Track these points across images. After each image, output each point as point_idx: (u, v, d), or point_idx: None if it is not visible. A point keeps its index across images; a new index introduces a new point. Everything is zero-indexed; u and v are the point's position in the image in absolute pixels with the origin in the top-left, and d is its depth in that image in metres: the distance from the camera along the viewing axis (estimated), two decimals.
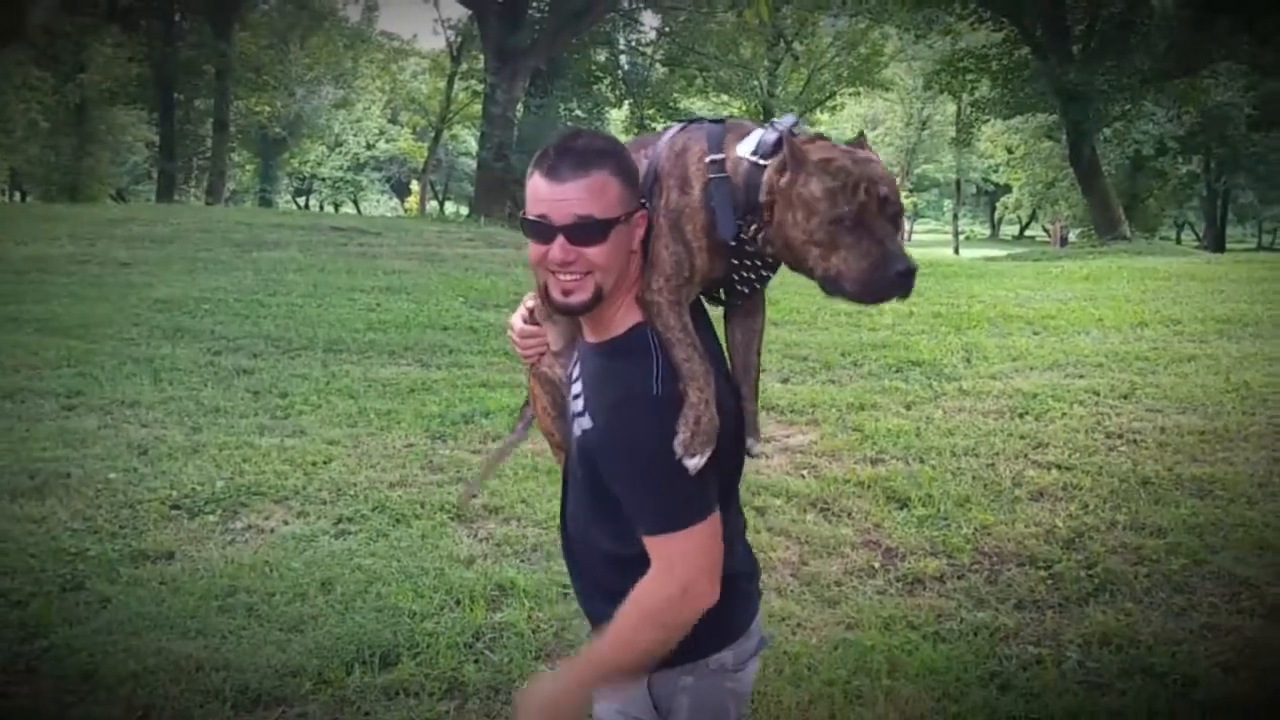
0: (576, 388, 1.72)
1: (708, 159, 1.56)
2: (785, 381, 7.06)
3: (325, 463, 5.43)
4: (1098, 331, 8.64)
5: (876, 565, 4.42)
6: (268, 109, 37.16)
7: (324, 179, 52.23)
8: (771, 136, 1.54)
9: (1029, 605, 4.08)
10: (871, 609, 4.00)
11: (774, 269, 1.64)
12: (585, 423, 1.65)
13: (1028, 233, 59.11)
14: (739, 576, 1.72)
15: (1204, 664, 3.59)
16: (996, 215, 62.23)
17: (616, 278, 1.59)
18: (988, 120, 32.99)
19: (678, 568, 1.55)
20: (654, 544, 1.57)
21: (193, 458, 5.49)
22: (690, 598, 1.56)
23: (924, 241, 58.48)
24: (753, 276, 1.64)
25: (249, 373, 7.29)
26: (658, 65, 31.03)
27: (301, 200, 54.97)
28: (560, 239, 1.55)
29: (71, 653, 3.49)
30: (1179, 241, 43.40)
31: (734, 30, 28.82)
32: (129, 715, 3.18)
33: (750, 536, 4.46)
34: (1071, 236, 38.90)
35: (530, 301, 1.89)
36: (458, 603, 3.91)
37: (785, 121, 1.56)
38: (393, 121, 50.91)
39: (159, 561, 4.27)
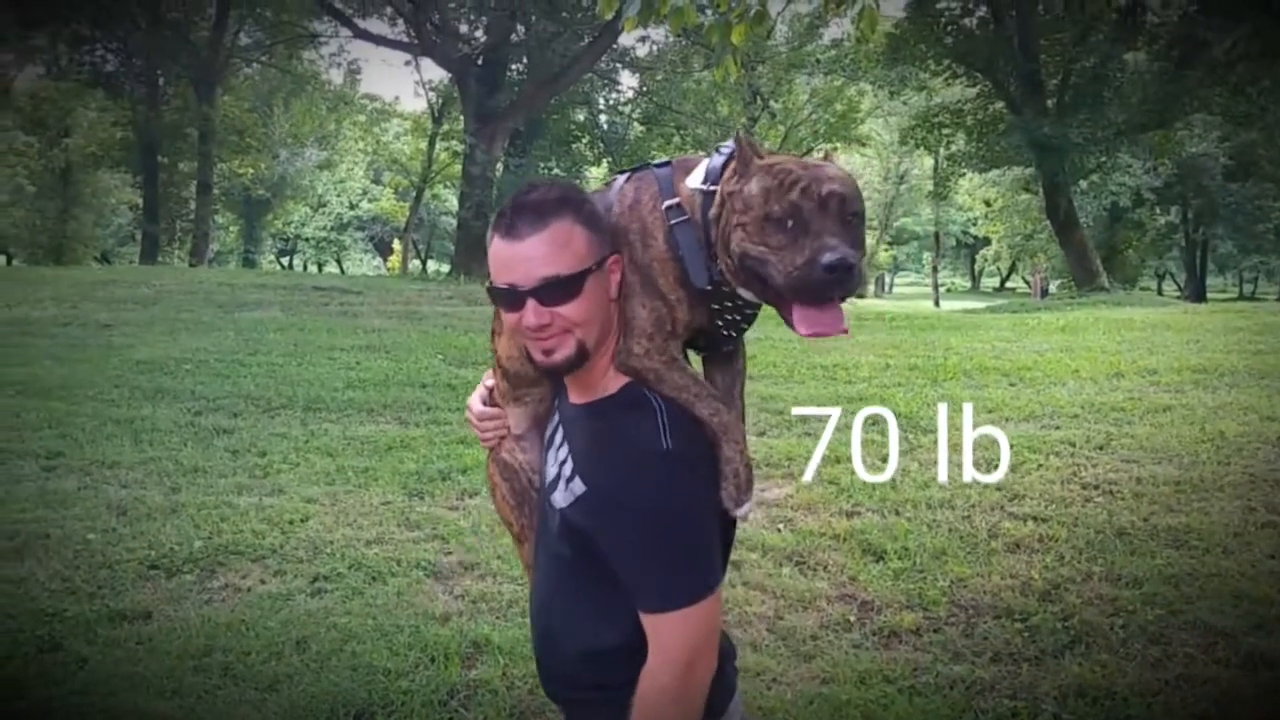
0: (561, 453, 1.59)
1: (664, 205, 1.48)
2: (761, 435, 7.11)
3: (303, 521, 5.43)
4: (1074, 383, 8.73)
5: (852, 619, 4.42)
6: (251, 171, 37.46)
7: (308, 239, 52.48)
8: (719, 160, 1.48)
9: (1005, 658, 4.07)
10: (847, 663, 4.00)
11: (757, 307, 1.55)
12: (577, 488, 1.52)
13: (1009, 284, 59.65)
14: (720, 656, 1.60)
15: (1180, 714, 3.60)
16: (977, 267, 62.88)
17: (600, 330, 1.50)
18: (964, 174, 33.49)
19: (683, 643, 1.44)
20: (658, 621, 1.45)
21: (171, 518, 5.48)
22: (697, 671, 1.46)
23: (904, 294, 58.96)
24: (737, 318, 1.54)
25: (228, 432, 7.29)
26: (635, 124, 31.46)
27: (285, 260, 55.17)
28: (531, 303, 1.45)
29: (48, 714, 3.49)
30: (1160, 292, 43.84)
31: (710, 89, 29.29)
32: None
33: (726, 592, 4.49)
34: (1052, 288, 39.33)
35: (490, 381, 1.79)
36: (433, 660, 3.91)
37: (728, 145, 1.49)
38: (375, 182, 51.33)
39: (136, 621, 4.25)
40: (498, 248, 1.47)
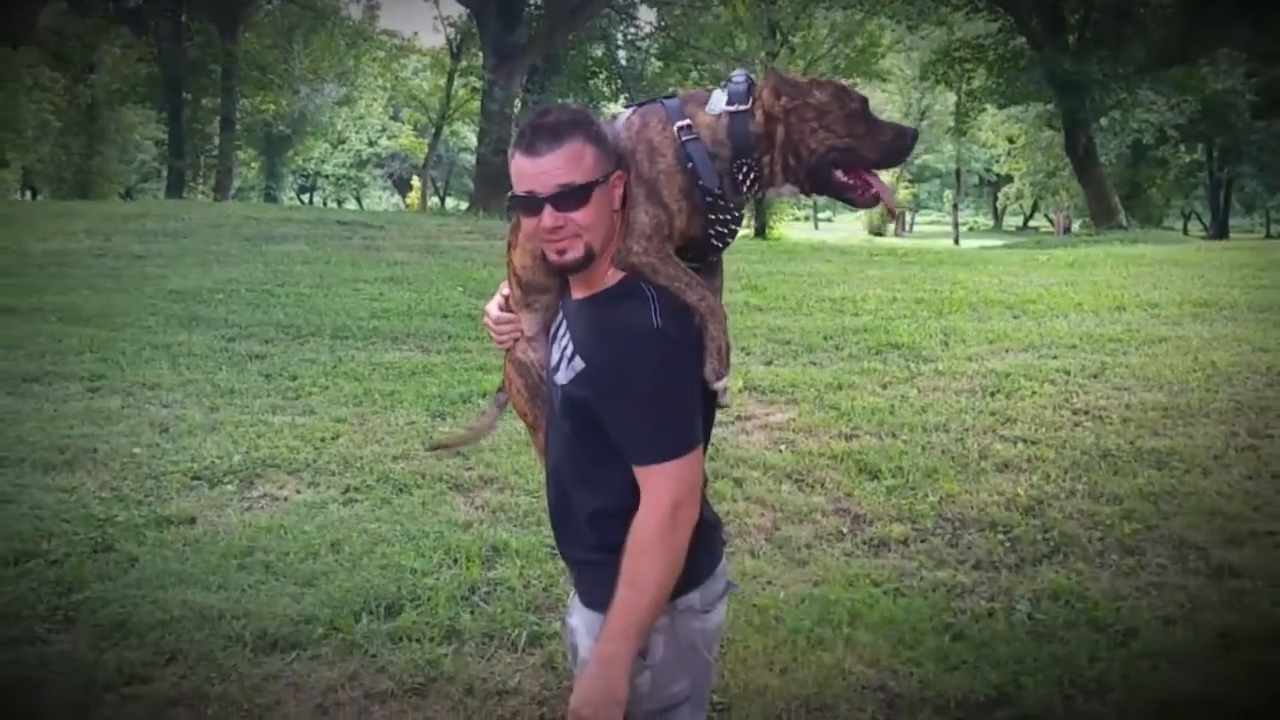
0: (564, 341, 1.84)
1: (676, 125, 1.74)
2: (769, 364, 7.40)
3: (333, 438, 5.78)
4: (1075, 315, 8.95)
5: (845, 530, 4.74)
6: (273, 107, 37.52)
7: (327, 176, 52.56)
8: (740, 85, 1.76)
9: (986, 565, 4.38)
10: (838, 568, 4.31)
11: (739, 222, 1.83)
12: (577, 365, 1.77)
13: (1032, 223, 59.02)
14: (704, 523, 1.82)
15: (1146, 616, 3.87)
16: (999, 206, 62.22)
17: (605, 235, 1.74)
18: (984, 110, 33.15)
19: (668, 491, 1.68)
20: (647, 474, 1.71)
21: (211, 434, 5.84)
22: (681, 516, 1.70)
23: (925, 233, 58.35)
24: (725, 231, 1.79)
25: (261, 357, 7.65)
26: (653, 59, 31.26)
27: (305, 197, 55.32)
28: (548, 208, 1.69)
29: (105, 604, 3.84)
30: (1186, 232, 43.29)
31: (729, 24, 29.00)
32: (158, 658, 3.51)
33: (727, 505, 4.85)
34: (1075, 226, 39.02)
35: (505, 290, 2.04)
36: (455, 561, 4.26)
37: (740, 74, 1.79)
38: (394, 118, 51.19)
39: (182, 526, 4.61)
40: (519, 163, 1.73)
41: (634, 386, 1.69)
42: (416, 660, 3.53)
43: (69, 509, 4.72)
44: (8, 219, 15.48)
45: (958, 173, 52.30)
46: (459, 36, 33.87)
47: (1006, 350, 7.72)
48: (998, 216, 63.55)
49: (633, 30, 30.25)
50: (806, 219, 65.48)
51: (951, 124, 41.98)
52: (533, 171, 1.71)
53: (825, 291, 10.15)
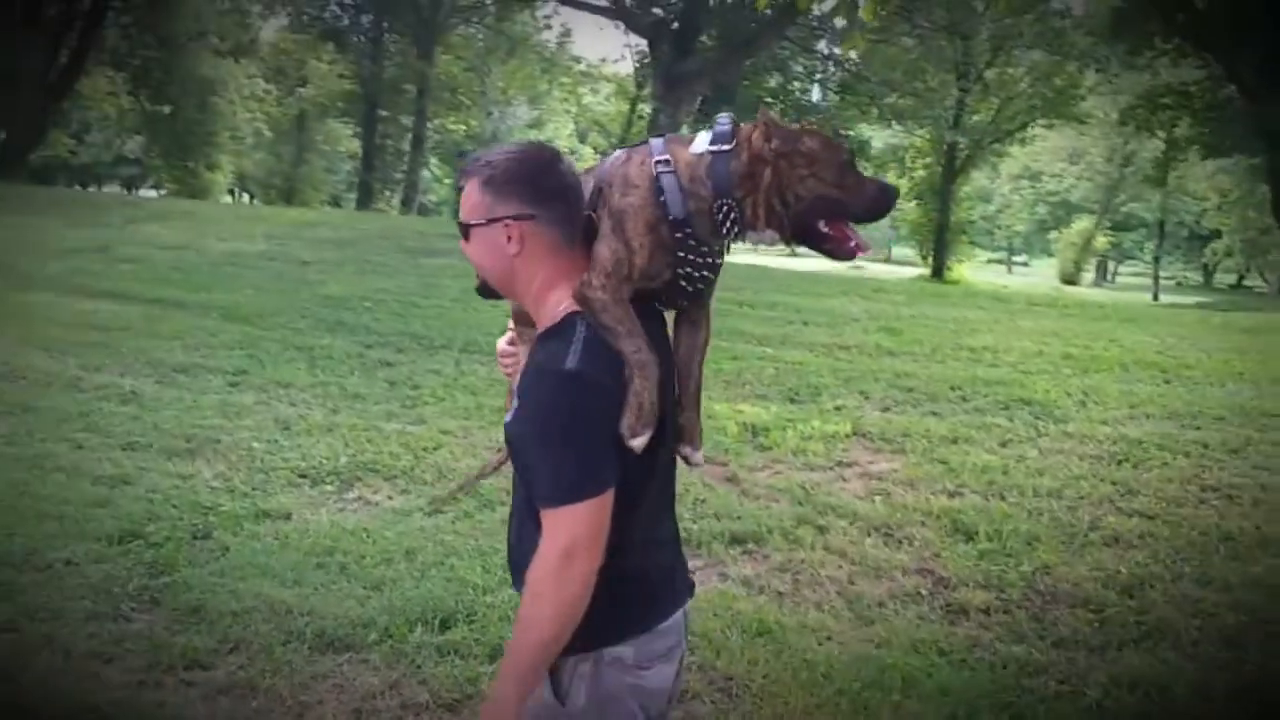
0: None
1: (654, 159, 1.74)
2: (885, 410, 7.19)
3: (435, 449, 5.98)
4: (1232, 385, 8.32)
5: (924, 592, 4.53)
6: (463, 127, 39.17)
7: None
8: (724, 126, 1.76)
9: (1068, 644, 4.10)
10: (906, 631, 4.13)
11: (715, 268, 1.80)
12: (514, 403, 1.80)
13: (1246, 282, 54.69)
14: (644, 577, 1.80)
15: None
16: (1207, 262, 58.07)
17: (497, 276, 1.83)
18: (1184, 160, 31.28)
19: (563, 535, 1.66)
20: (544, 516, 1.70)
21: (326, 435, 6.15)
22: (575, 563, 1.66)
23: (1127, 284, 54.88)
24: (696, 274, 1.77)
25: (391, 365, 8.00)
26: (830, 92, 30.88)
27: None
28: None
29: (188, 589, 4.09)
30: None
31: (919, 58, 28.21)
32: (222, 646, 3.71)
33: (804, 553, 4.72)
34: None
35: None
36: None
37: (724, 116, 1.79)
38: (581, 141, 52.55)
39: (277, 520, 4.88)
40: None
41: (540, 426, 1.70)
42: (457, 675, 3.60)
43: (180, 495, 5.06)
44: (200, 218, 16.76)
45: (1160, 224, 49.25)
46: (643, 64, 34.50)
47: (1147, 416, 7.25)
48: (1206, 273, 59.23)
49: (812, 62, 29.96)
50: (1001, 262, 63.12)
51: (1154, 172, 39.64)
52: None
53: (966, 339, 9.79)
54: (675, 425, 1.86)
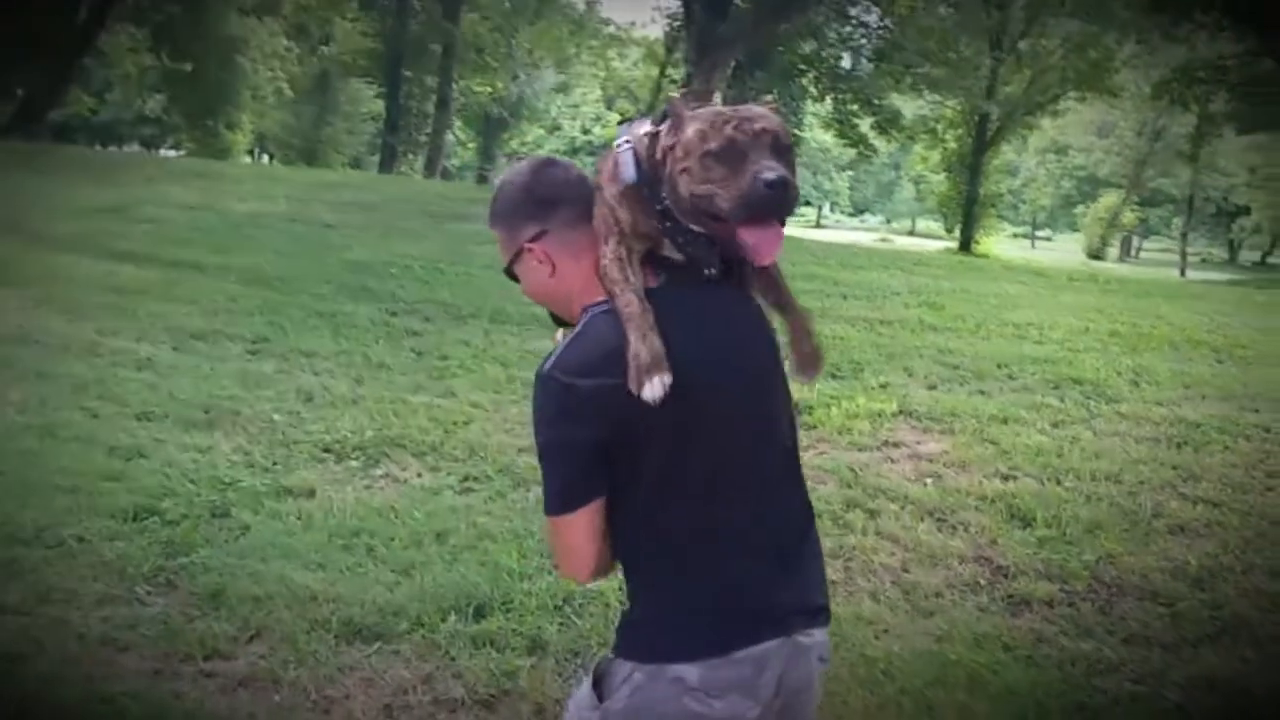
0: None
1: (621, 138, 1.70)
2: (931, 388, 6.91)
3: (465, 423, 5.74)
4: None
5: (983, 581, 4.31)
6: (489, 89, 38.63)
7: None
8: (665, 109, 1.65)
9: (1139, 640, 3.88)
10: (967, 624, 3.92)
11: (708, 241, 1.66)
12: None
13: (1270, 259, 53.99)
14: (714, 592, 1.64)
15: None
16: (1233, 238, 57.27)
17: (543, 294, 1.79)
18: (1219, 135, 30.59)
19: (551, 543, 1.72)
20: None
21: (350, 407, 5.92)
22: (561, 569, 1.75)
23: (1152, 259, 54.36)
24: (682, 239, 1.65)
25: (418, 334, 7.76)
26: (864, 60, 30.26)
27: None
28: None
29: (206, 571, 3.87)
30: None
31: (956, 27, 27.58)
32: (242, 634, 3.49)
33: (855, 539, 4.49)
34: None
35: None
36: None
37: (675, 97, 1.68)
38: (608, 108, 52.03)
39: (300, 498, 4.65)
40: None
41: (533, 429, 1.68)
42: (494, 669, 3.38)
43: (198, 469, 4.84)
44: (218, 177, 16.52)
45: (1190, 199, 48.46)
46: (675, 27, 33.86)
47: (1203, 397, 6.95)
48: (1232, 249, 58.44)
49: (847, 28, 29.30)
50: (1026, 236, 62.51)
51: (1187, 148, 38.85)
52: None
53: (1009, 315, 9.48)
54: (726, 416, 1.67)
